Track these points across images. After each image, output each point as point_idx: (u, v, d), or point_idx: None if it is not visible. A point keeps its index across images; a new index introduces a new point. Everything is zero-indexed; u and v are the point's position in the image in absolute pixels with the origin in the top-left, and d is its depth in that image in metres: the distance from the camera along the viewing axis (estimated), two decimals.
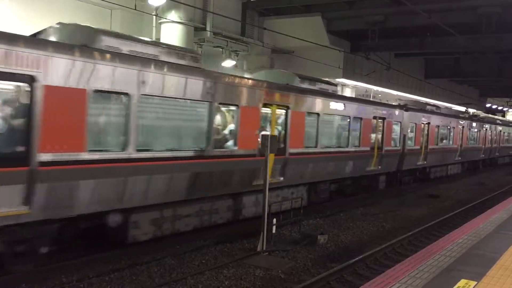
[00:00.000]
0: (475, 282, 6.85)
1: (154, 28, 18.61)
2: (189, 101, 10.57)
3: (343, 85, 31.59)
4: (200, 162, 10.73)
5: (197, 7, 19.35)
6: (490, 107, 60.05)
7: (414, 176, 24.00)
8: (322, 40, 24.06)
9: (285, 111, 13.47)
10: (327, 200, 16.47)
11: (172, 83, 9.99)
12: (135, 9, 16.15)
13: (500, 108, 63.42)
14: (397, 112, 20.63)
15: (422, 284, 6.71)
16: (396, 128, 20.76)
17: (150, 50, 9.90)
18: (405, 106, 22.20)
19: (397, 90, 33.74)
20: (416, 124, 22.43)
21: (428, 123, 23.83)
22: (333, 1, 23.25)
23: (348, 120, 16.71)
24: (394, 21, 24.14)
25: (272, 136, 11.18)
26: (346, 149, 16.66)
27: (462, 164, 31.47)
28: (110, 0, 15.27)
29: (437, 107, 27.41)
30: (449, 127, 27.31)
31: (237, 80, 12.04)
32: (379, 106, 19.42)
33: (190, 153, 10.56)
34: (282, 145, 13.23)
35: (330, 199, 16.74)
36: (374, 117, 18.41)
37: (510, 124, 46.80)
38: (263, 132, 12.39)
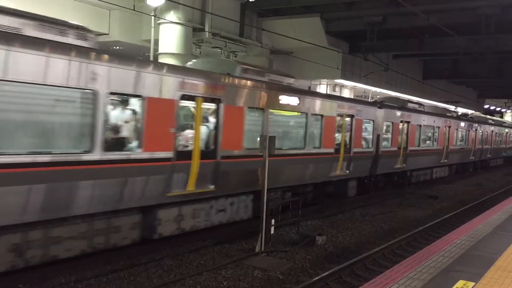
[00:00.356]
0: (474, 283, 6.85)
1: (152, 29, 18.62)
2: (60, 88, 8.11)
3: (342, 86, 31.66)
4: (80, 168, 8.44)
5: (196, 8, 19.37)
6: (489, 108, 60.16)
7: (392, 181, 21.75)
8: (320, 41, 24.10)
9: (215, 105, 11.29)
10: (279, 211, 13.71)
11: (35, 64, 7.71)
12: (134, 10, 16.17)
13: (498, 109, 63.54)
14: (369, 109, 18.50)
15: (421, 285, 6.70)
16: (368, 127, 18.67)
17: (7, 21, 7.82)
18: (379, 103, 20.32)
19: (395, 91, 33.78)
20: (393, 123, 20.35)
21: (408, 122, 21.71)
22: (332, 2, 23.31)
23: (305, 117, 14.48)
24: (392, 22, 24.18)
25: (271, 137, 11.09)
26: (302, 151, 14.42)
27: (450, 167, 29.44)
28: (108, 0, 15.30)
29: (420, 104, 25.25)
30: (433, 127, 25.15)
31: (140, 64, 9.63)
32: (346, 102, 17.23)
33: (61, 158, 8.13)
34: (212, 147, 11.25)
35: (283, 209, 14.00)
36: (340, 115, 16.27)
37: (504, 124, 44.93)
38: (188, 131, 10.79)
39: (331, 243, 12.17)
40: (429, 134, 25.04)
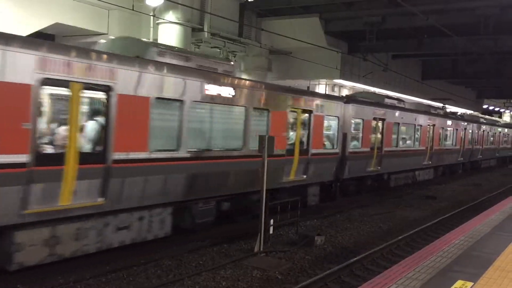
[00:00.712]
0: (472, 283, 6.86)
1: (151, 29, 18.62)
2: None
3: (341, 86, 31.70)
4: None
5: (195, 8, 19.37)
6: (487, 108, 60.26)
7: (366, 185, 19.60)
8: (319, 41, 24.11)
9: (104, 93, 8.88)
10: (210, 225, 11.88)
11: None
12: (133, 10, 16.17)
13: (497, 109, 63.63)
14: (332, 104, 16.11)
15: (419, 285, 6.71)
16: (333, 124, 16.37)
17: None
18: (346, 97, 18.18)
19: (394, 91, 33.83)
20: (364, 120, 18.03)
21: (383, 120, 19.47)
22: (331, 2, 23.32)
23: (244, 111, 12.18)
24: (391, 22, 24.21)
25: (270, 137, 11.06)
26: (240, 153, 12.09)
27: (435, 169, 27.09)
28: (107, 0, 15.29)
29: (400, 100, 22.92)
30: (414, 125, 22.74)
31: None
32: (301, 95, 14.54)
33: None
34: (99, 148, 8.95)
35: (219, 222, 12.15)
36: (293, 110, 14.00)
37: (496, 123, 42.42)
38: (61, 128, 8.48)
39: (330, 243, 12.17)
40: (410, 133, 22.83)
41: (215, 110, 11.61)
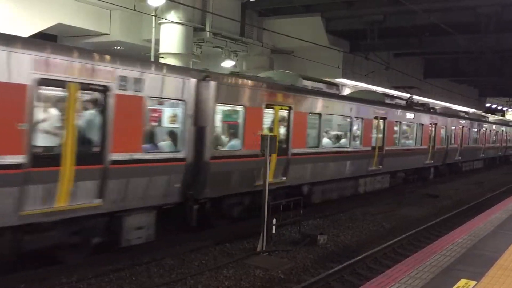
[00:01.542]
0: (475, 282, 6.85)
1: (153, 29, 18.65)
2: None
3: (343, 85, 31.65)
4: None
5: (196, 8, 19.39)
6: (490, 107, 60.20)
7: (256, 204, 11.91)
8: (321, 40, 24.11)
9: None
10: None
11: None
12: (135, 10, 16.21)
13: (500, 107, 63.57)
14: (167, 79, 10.04)
15: (422, 284, 6.71)
16: (177, 112, 10.98)
17: None
18: (204, 72, 11.55)
19: (396, 90, 33.79)
20: (246, 108, 11.88)
21: (289, 109, 13.48)
22: (332, 1, 23.32)
23: None
24: (393, 21, 24.22)
25: (272, 137, 11.05)
26: None
27: (392, 175, 20.82)
28: (109, 0, 15.33)
29: (333, 85, 17.10)
30: (350, 118, 16.83)
31: None
32: (74, 57, 8.16)
33: None
34: None
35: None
36: (51, 83, 7.88)
37: (482, 119, 36.55)
38: None
39: (332, 243, 12.18)
40: (343, 129, 17.29)
41: None
